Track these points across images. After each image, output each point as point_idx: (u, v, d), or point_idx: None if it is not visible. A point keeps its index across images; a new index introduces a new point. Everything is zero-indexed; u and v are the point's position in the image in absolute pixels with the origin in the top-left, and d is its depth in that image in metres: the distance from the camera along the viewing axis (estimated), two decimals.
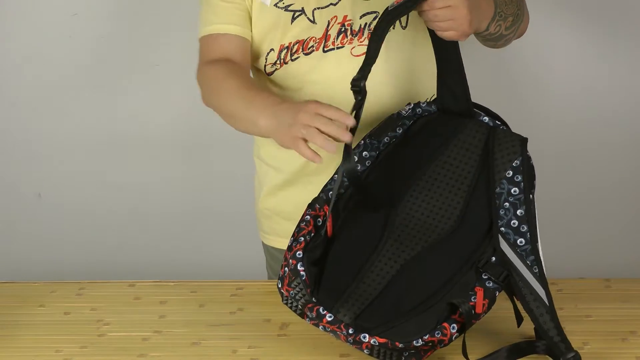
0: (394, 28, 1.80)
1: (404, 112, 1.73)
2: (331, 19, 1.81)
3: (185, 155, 2.59)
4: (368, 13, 1.81)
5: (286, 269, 1.61)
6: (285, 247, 1.66)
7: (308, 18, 1.81)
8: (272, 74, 1.85)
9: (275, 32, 1.83)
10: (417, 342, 1.55)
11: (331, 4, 1.81)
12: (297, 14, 1.81)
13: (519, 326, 1.64)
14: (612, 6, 2.44)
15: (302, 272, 1.58)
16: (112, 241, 2.64)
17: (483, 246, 1.62)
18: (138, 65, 2.51)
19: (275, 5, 1.81)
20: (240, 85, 1.75)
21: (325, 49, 1.81)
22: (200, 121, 2.53)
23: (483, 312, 1.59)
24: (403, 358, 1.57)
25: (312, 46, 1.82)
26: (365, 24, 1.80)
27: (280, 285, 1.62)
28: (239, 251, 2.60)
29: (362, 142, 1.71)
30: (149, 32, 2.49)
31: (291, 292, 1.61)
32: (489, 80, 2.35)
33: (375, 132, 1.72)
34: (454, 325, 1.57)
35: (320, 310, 1.57)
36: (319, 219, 1.65)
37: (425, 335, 1.55)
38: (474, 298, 1.59)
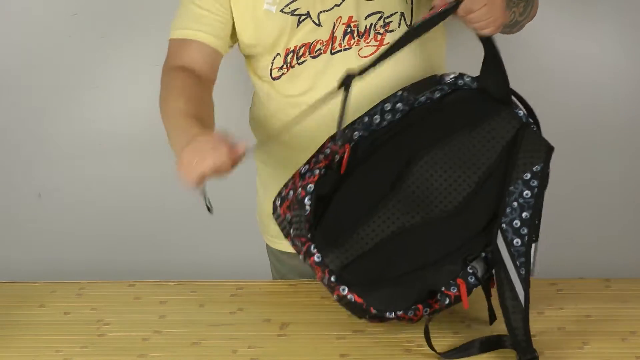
0: (399, 27, 1.81)
1: (447, 78, 1.73)
2: (336, 20, 1.80)
3: None
4: (373, 13, 1.80)
5: (291, 192, 1.63)
6: (288, 250, 1.67)
7: (313, 21, 1.81)
8: (278, 79, 1.85)
9: (282, 37, 1.82)
10: (390, 315, 1.58)
11: (335, 5, 1.80)
12: (302, 17, 1.81)
13: (491, 324, 1.66)
14: (614, 4, 2.44)
15: (307, 207, 1.59)
16: (112, 241, 2.64)
17: (478, 239, 1.62)
18: (138, 65, 2.51)
19: (281, 10, 1.81)
20: (182, 111, 1.73)
21: (333, 51, 1.81)
22: None
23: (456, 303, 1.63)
24: (367, 317, 1.59)
25: (320, 49, 1.82)
26: (371, 24, 1.80)
27: (278, 203, 1.64)
28: (239, 251, 2.59)
29: (400, 92, 1.71)
30: (149, 32, 2.49)
31: (287, 215, 1.63)
32: None
33: (414, 88, 1.72)
34: (427, 309, 1.61)
35: (311, 248, 1.59)
36: (337, 156, 1.64)
37: (399, 311, 1.59)
38: (454, 289, 1.62)
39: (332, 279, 1.58)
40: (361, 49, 1.81)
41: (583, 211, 2.59)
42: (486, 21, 1.63)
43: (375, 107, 1.70)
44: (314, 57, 1.82)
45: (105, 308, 1.78)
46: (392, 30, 1.81)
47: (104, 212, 2.63)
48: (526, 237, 1.63)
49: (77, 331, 1.71)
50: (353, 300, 1.58)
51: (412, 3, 1.81)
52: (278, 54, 1.84)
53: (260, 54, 1.86)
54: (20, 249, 2.65)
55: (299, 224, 1.59)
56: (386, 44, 1.80)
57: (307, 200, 1.59)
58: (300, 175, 1.64)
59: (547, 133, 2.55)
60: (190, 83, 1.80)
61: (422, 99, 1.71)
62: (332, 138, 1.64)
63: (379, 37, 1.81)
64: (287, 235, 1.64)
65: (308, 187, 1.60)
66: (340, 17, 1.80)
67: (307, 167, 1.64)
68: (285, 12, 1.81)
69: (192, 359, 1.63)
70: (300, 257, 1.61)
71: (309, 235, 1.58)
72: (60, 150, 2.58)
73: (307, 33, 1.81)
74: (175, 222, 2.63)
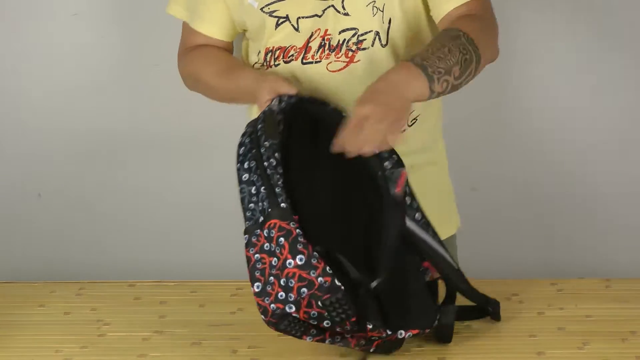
0: (372, 46, 1.80)
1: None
2: (315, 31, 1.80)
3: (185, 154, 2.58)
4: (348, 29, 1.80)
5: (304, 290, 1.55)
6: None
7: (292, 25, 1.81)
8: None
9: (262, 35, 1.84)
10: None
11: (316, 15, 1.80)
12: (281, 20, 1.81)
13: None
14: (608, 8, 2.44)
15: (341, 287, 1.55)
16: (112, 241, 2.64)
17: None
18: (138, 65, 2.51)
19: (261, 9, 1.82)
20: (220, 67, 1.86)
21: (304, 61, 1.82)
22: (201, 121, 2.53)
23: None
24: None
25: (292, 55, 1.82)
26: (344, 40, 1.80)
27: (293, 309, 1.56)
28: (239, 251, 2.59)
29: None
30: (149, 31, 2.49)
31: (312, 312, 1.56)
32: (489, 79, 2.35)
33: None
34: None
35: (368, 324, 1.57)
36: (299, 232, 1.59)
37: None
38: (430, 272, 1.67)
39: (389, 332, 1.58)
40: (330, 62, 1.81)
41: (583, 211, 2.59)
42: (371, 137, 1.57)
43: None
44: (286, 62, 1.83)
45: (105, 308, 1.78)
46: (364, 48, 1.80)
47: (104, 213, 2.62)
48: (419, 206, 1.67)
49: (77, 331, 1.71)
50: (411, 335, 1.60)
51: (389, 23, 1.80)
52: (259, 51, 1.86)
53: (251, 46, 1.89)
54: (20, 249, 2.65)
55: (342, 307, 1.56)
56: (357, 61, 1.80)
57: (337, 281, 1.54)
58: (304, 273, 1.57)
59: (546, 134, 2.55)
60: (213, 49, 1.91)
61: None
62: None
63: (350, 53, 1.80)
64: (300, 334, 1.60)
65: (327, 269, 1.55)
66: (319, 29, 1.80)
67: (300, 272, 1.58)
68: (264, 12, 1.82)
69: (192, 359, 1.63)
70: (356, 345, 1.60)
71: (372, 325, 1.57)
72: (60, 150, 2.57)
73: (285, 36, 1.82)
74: (175, 222, 2.63)
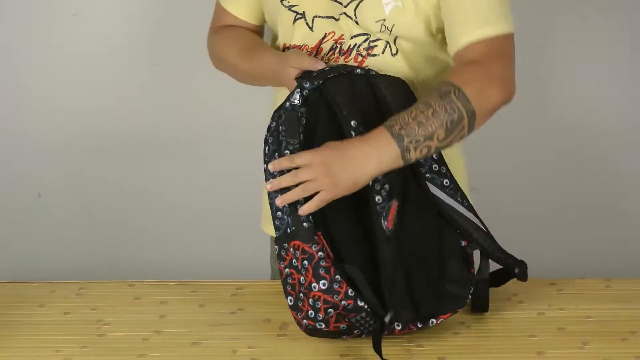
0: (382, 54, 1.78)
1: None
2: (329, 34, 1.79)
3: (185, 155, 2.58)
4: (359, 35, 1.78)
5: (331, 310, 1.59)
6: None
7: (307, 24, 1.80)
8: None
9: (280, 28, 1.84)
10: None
11: (333, 17, 1.79)
12: (298, 16, 1.81)
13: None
14: (614, 8, 2.45)
15: (365, 307, 1.59)
16: (112, 241, 2.64)
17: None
18: (138, 65, 2.51)
19: (281, 2, 1.81)
20: (244, 47, 1.85)
21: None
22: (201, 121, 2.53)
23: None
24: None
25: None
26: (355, 44, 1.78)
27: (324, 326, 1.61)
28: (239, 251, 2.59)
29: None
30: (149, 31, 2.49)
31: (342, 326, 1.61)
32: None
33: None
34: None
35: (395, 325, 1.61)
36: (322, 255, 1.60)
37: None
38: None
39: (419, 325, 1.63)
40: None
41: (583, 211, 2.59)
42: (309, 184, 1.59)
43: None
44: None
45: (105, 308, 1.78)
46: (374, 55, 1.78)
47: (104, 212, 2.63)
48: (448, 172, 1.69)
49: (77, 331, 1.71)
50: (441, 320, 1.65)
51: (394, 40, 1.78)
52: (278, 45, 1.85)
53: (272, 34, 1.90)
54: (20, 249, 2.65)
55: (366, 320, 1.60)
56: (365, 67, 1.78)
57: (359, 302, 1.58)
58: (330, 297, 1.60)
59: (547, 134, 2.55)
60: (240, 30, 1.89)
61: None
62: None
63: (360, 58, 1.78)
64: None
65: (349, 292, 1.58)
66: (334, 32, 1.79)
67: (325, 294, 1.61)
68: (284, 5, 1.81)
69: (192, 359, 1.63)
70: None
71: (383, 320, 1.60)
72: (60, 150, 2.57)
73: (299, 35, 1.81)
74: (175, 222, 2.63)
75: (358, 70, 1.73)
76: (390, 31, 1.76)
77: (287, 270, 1.62)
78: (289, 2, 1.81)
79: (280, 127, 1.66)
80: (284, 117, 1.67)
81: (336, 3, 1.78)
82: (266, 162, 1.67)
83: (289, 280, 1.62)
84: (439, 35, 1.78)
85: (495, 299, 1.75)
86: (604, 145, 2.54)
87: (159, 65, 2.51)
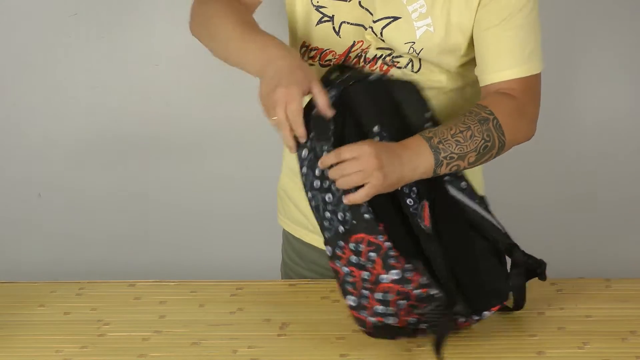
0: (405, 68, 1.77)
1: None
2: (358, 42, 1.77)
3: (185, 155, 2.59)
4: (384, 48, 1.76)
5: (403, 302, 1.58)
6: (293, 233, 1.71)
7: (334, 28, 1.77)
8: None
9: (299, 25, 1.79)
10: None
11: (362, 25, 1.76)
12: (325, 19, 1.77)
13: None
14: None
15: (439, 294, 1.58)
16: (112, 241, 2.64)
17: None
18: (138, 65, 2.51)
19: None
20: (239, 20, 1.71)
21: None
22: (200, 121, 2.53)
23: None
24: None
25: (330, 60, 1.78)
26: (381, 55, 1.76)
27: (392, 321, 1.60)
28: (239, 251, 2.59)
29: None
30: (149, 31, 2.49)
31: (410, 319, 1.60)
32: None
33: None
34: None
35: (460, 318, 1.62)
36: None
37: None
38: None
39: (475, 317, 1.63)
40: None
41: (583, 211, 2.59)
42: (355, 175, 1.56)
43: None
44: (322, 66, 1.78)
45: (105, 308, 1.78)
46: (399, 67, 1.77)
47: (104, 212, 2.63)
48: (463, 174, 1.69)
49: (77, 331, 1.71)
50: (492, 312, 1.65)
51: (420, 62, 1.77)
52: (296, 40, 1.81)
53: (292, 26, 1.82)
54: (20, 249, 2.65)
55: (437, 310, 1.59)
56: (390, 76, 1.77)
57: (432, 291, 1.58)
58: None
59: (547, 134, 2.55)
60: (241, 6, 1.76)
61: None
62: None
63: (385, 67, 1.77)
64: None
65: (422, 279, 1.57)
66: (362, 41, 1.76)
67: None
68: (313, 4, 1.76)
69: (192, 359, 1.63)
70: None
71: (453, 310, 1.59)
72: (60, 150, 2.58)
73: (323, 38, 1.78)
74: (175, 222, 2.63)
75: (372, 76, 1.71)
76: (418, 54, 1.75)
77: (345, 268, 1.59)
78: (317, 2, 1.76)
79: (311, 134, 1.61)
80: (312, 123, 1.62)
81: (367, 13, 1.74)
82: (306, 167, 1.64)
83: (349, 279, 1.59)
84: (464, 59, 1.78)
85: None
86: (604, 145, 2.55)
87: (159, 65, 2.51)
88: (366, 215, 1.57)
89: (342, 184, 1.57)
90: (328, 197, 1.61)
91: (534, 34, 1.74)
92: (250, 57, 1.65)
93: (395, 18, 1.73)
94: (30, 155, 2.59)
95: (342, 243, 1.59)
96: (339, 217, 1.59)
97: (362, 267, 1.58)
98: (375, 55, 1.77)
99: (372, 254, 1.57)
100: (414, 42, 1.74)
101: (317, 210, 1.63)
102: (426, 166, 1.62)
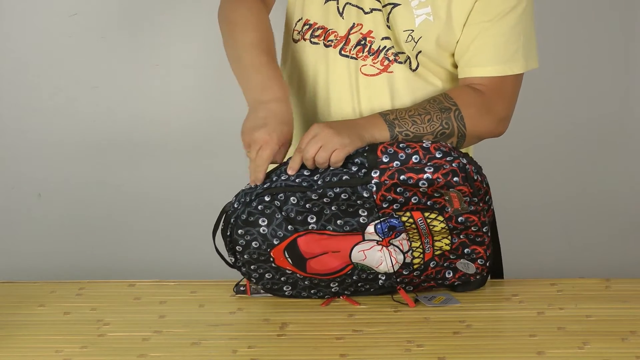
0: (404, 63, 1.78)
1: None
2: (356, 25, 1.78)
3: (185, 154, 2.59)
4: (388, 38, 1.78)
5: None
6: None
7: (337, 7, 1.79)
8: (297, 42, 1.84)
9: (309, 3, 1.81)
10: None
11: (362, 8, 1.78)
12: None
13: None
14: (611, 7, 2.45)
15: None
16: (112, 241, 2.64)
17: None
18: (138, 65, 2.51)
19: None
20: (257, 42, 1.77)
21: (343, 52, 1.80)
22: (201, 121, 2.54)
23: None
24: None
25: (332, 41, 1.80)
26: (385, 47, 1.78)
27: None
28: None
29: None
30: (150, 32, 2.49)
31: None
32: None
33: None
34: None
35: None
36: None
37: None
38: None
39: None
40: (365, 65, 1.79)
41: (583, 212, 2.59)
42: (321, 153, 1.64)
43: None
44: (326, 46, 1.80)
45: (105, 308, 1.78)
46: (400, 62, 1.79)
47: (104, 212, 2.63)
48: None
49: (77, 331, 1.71)
50: None
51: (417, 54, 1.78)
52: (301, 19, 1.82)
53: (291, 10, 1.85)
54: (20, 249, 2.65)
55: None
56: (390, 72, 1.79)
57: None
58: None
59: (547, 135, 2.55)
60: (257, 10, 1.81)
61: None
62: None
63: (387, 62, 1.79)
64: None
65: None
66: (362, 24, 1.78)
67: None
68: None
69: (192, 359, 1.63)
70: None
71: None
72: (60, 150, 2.58)
73: (328, 17, 1.79)
74: (175, 222, 2.63)
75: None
76: (416, 43, 1.76)
77: None
78: None
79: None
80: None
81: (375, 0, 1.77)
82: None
83: None
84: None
85: (495, 299, 1.75)
86: (603, 145, 2.55)
87: (159, 65, 2.51)
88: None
89: (314, 166, 1.65)
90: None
91: (524, 34, 1.74)
92: (252, 85, 1.74)
93: (395, 5, 1.75)
94: (30, 155, 2.60)
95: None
96: None
97: None
98: (380, 47, 1.78)
99: None
100: (413, 30, 1.75)
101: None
102: (382, 135, 1.68)
